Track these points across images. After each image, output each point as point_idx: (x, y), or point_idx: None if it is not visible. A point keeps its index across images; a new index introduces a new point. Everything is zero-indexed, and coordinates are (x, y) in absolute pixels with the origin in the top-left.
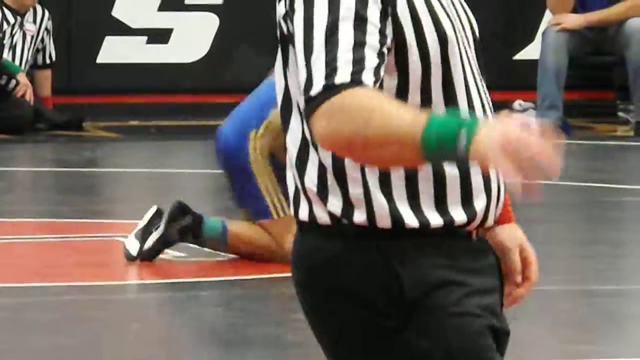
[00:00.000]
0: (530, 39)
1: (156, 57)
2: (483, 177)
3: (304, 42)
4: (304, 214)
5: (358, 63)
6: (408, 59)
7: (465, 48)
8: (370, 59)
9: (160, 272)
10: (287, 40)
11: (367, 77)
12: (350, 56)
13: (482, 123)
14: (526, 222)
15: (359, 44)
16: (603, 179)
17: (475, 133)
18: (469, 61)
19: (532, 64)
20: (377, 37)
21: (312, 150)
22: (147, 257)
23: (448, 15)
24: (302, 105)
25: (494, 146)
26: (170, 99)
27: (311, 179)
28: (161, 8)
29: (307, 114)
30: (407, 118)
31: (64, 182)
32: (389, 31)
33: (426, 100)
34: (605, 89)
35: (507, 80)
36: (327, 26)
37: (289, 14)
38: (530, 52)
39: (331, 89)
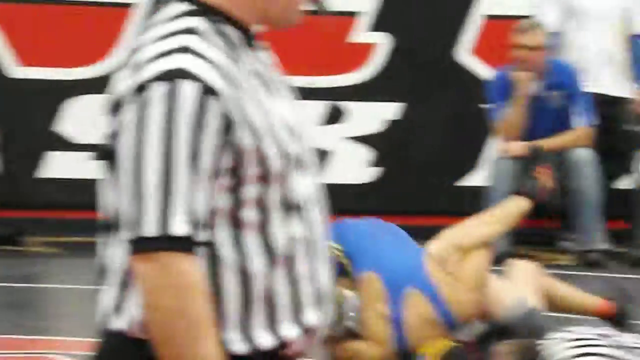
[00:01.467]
0: (474, 165)
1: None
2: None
3: (134, 171)
4: (122, 325)
5: (193, 213)
6: (245, 178)
7: (307, 166)
8: (203, 208)
9: None
10: (112, 158)
11: (202, 233)
12: (185, 204)
13: None
14: None
15: (193, 188)
16: None
17: None
18: (311, 179)
19: (476, 190)
20: (212, 178)
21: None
22: None
23: (290, 132)
24: (126, 236)
25: None
26: None
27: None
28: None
29: (135, 252)
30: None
31: (1, 298)
32: (227, 160)
33: (264, 218)
34: (549, 218)
35: (450, 207)
36: (161, 161)
37: (117, 134)
38: (475, 178)
39: (167, 239)
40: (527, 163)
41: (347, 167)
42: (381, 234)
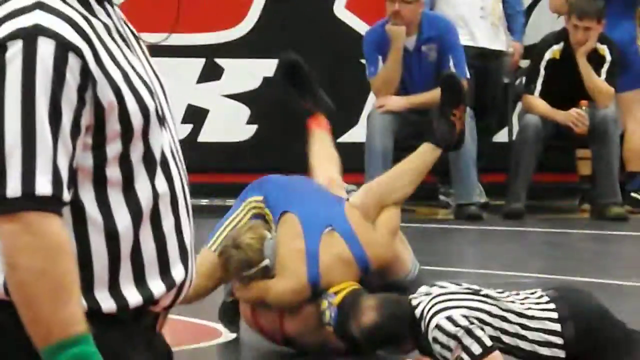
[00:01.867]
0: (354, 121)
1: None
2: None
3: None
4: None
5: (57, 172)
6: (107, 136)
7: (166, 122)
8: (67, 167)
9: None
10: None
11: (66, 192)
12: (48, 163)
13: None
14: None
15: (56, 146)
16: (425, 261)
17: None
18: (170, 135)
19: (356, 146)
20: (75, 136)
21: None
22: None
23: (148, 88)
24: None
25: None
26: None
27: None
28: None
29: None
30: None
31: None
32: (88, 118)
33: (128, 175)
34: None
35: None
36: (21, 120)
37: None
38: (355, 134)
39: (31, 199)
40: (444, 104)
41: (223, 125)
42: (303, 184)
